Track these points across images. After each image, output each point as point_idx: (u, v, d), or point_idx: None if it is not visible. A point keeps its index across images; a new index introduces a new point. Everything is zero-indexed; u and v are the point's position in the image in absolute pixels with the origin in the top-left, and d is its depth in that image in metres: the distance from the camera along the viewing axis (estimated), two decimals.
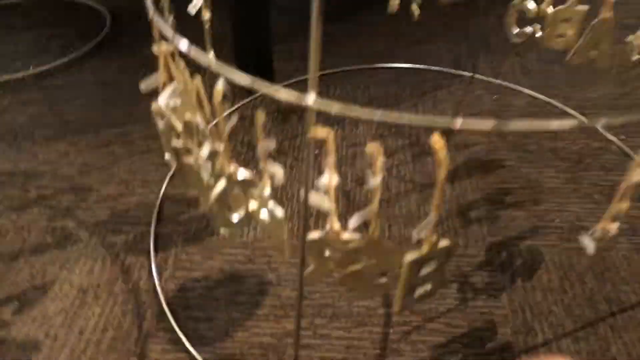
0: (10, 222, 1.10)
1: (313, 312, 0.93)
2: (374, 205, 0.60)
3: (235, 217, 0.76)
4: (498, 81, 1.47)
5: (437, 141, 0.53)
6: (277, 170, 0.64)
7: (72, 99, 1.45)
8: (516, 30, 1.18)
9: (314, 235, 0.65)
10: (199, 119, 0.74)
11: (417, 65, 1.54)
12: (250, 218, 0.76)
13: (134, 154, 1.26)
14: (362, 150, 1.25)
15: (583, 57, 1.15)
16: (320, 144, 0.57)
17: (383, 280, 0.69)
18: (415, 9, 1.27)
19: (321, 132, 0.56)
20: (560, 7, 1.09)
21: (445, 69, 1.52)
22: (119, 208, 1.13)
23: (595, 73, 1.49)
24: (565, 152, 1.23)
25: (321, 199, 0.62)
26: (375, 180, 0.58)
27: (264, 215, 0.71)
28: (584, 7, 1.08)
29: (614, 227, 0.65)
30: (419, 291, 0.67)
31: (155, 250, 1.03)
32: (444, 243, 0.63)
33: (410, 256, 0.62)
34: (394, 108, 1.38)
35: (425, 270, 0.65)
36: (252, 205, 0.72)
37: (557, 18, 1.13)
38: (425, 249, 0.62)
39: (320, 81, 1.47)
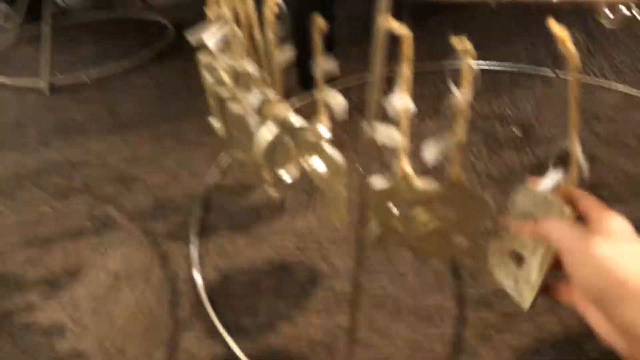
0: (52, 209, 1.05)
1: (373, 305, 0.79)
2: (460, 133, 0.48)
3: (286, 177, 0.65)
4: (584, 78, 1.31)
5: (557, 28, 0.41)
6: (337, 99, 0.53)
7: (128, 100, 1.42)
8: (610, 15, 1.05)
9: (378, 182, 0.53)
10: (248, 64, 0.65)
11: (493, 67, 1.41)
12: (303, 175, 0.64)
13: (185, 147, 1.19)
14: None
15: None
16: None
17: (460, 240, 0.55)
18: None
19: (394, 24, 0.45)
20: None
21: (522, 69, 1.38)
22: (163, 197, 1.05)
23: None
24: None
25: (388, 132, 0.50)
26: (462, 97, 0.46)
27: (318, 165, 0.59)
28: None
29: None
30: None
31: (199, 238, 0.94)
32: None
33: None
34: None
35: None
36: (307, 160, 0.61)
37: None
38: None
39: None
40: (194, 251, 0.91)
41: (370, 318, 0.77)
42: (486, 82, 1.34)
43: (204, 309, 0.80)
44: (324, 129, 0.55)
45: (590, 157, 1.13)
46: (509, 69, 1.39)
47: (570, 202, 0.42)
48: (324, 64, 0.51)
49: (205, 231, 0.95)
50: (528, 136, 1.12)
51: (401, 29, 0.44)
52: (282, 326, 0.77)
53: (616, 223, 0.38)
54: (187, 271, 0.87)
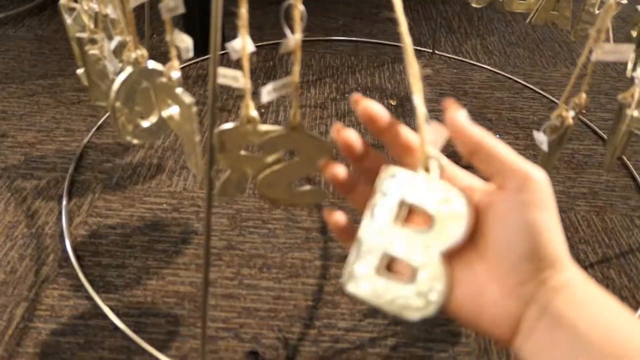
0: None
1: (241, 262, 0.82)
2: (294, 75, 0.51)
3: (146, 123, 0.65)
4: (458, 58, 1.41)
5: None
6: (185, 40, 0.55)
7: (2, 53, 1.33)
8: None
9: (225, 126, 0.55)
10: (106, 6, 0.64)
11: (375, 40, 1.48)
12: (161, 123, 0.65)
13: (61, 104, 1.14)
14: (311, 111, 1.17)
15: (543, 17, 1.10)
16: None
17: (307, 187, 0.59)
18: None
19: None
20: None
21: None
22: (34, 154, 1.00)
23: (557, 55, 1.45)
24: (525, 122, 1.17)
25: (232, 74, 0.52)
26: (293, 38, 0.49)
27: (172, 110, 0.60)
28: None
29: (569, 115, 0.58)
30: None
31: (69, 196, 0.91)
32: None
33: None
34: (349, 77, 1.31)
35: None
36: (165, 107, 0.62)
37: None
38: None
39: (277, 49, 1.39)
40: (63, 209, 0.89)
41: (240, 274, 0.80)
42: (371, 57, 1.40)
43: (70, 265, 0.79)
44: (175, 72, 0.56)
45: None
46: (391, 44, 1.46)
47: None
48: (169, 3, 0.52)
49: (77, 190, 0.93)
50: (403, 107, 1.20)
51: None
52: (149, 281, 0.78)
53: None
54: (55, 229, 0.85)
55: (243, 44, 0.50)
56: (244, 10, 0.49)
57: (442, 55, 1.42)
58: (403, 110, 1.18)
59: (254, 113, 0.54)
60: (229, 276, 0.79)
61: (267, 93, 0.51)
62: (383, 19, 1.60)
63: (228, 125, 0.55)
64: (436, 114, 1.20)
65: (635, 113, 0.63)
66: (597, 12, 1.00)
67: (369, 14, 1.64)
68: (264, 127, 0.55)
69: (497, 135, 1.10)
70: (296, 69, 0.51)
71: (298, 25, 0.49)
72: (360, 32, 1.51)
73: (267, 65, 1.33)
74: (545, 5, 1.05)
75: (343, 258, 0.83)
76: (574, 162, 1.05)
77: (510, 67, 1.38)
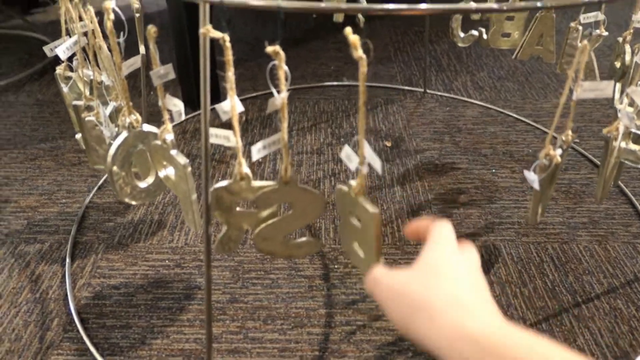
0: None
1: (245, 315, 0.81)
2: (283, 132, 0.52)
3: (143, 184, 0.66)
4: (450, 95, 1.44)
5: (350, 33, 0.47)
6: (176, 104, 0.56)
7: (4, 119, 1.36)
8: (462, 34, 1.17)
9: (220, 184, 0.56)
10: (101, 73, 0.67)
11: (368, 83, 1.50)
12: (159, 183, 0.67)
13: (62, 166, 1.16)
14: (308, 157, 1.18)
15: (528, 52, 1.12)
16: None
17: (304, 239, 0.59)
18: (360, 18, 1.25)
19: (214, 32, 0.49)
20: (503, 4, 1.07)
21: (396, 86, 1.49)
22: (37, 218, 1.02)
23: (546, 87, 1.48)
24: (519, 155, 1.18)
25: (224, 134, 0.54)
26: (279, 97, 0.51)
27: (168, 171, 0.62)
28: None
29: (557, 154, 0.59)
30: None
31: (72, 258, 0.92)
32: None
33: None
34: (344, 121, 1.33)
35: None
36: (162, 167, 0.63)
37: (502, 17, 1.11)
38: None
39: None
40: (66, 272, 0.89)
41: (244, 327, 0.79)
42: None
43: (75, 329, 0.79)
44: (168, 134, 0.57)
45: (452, 165, 1.24)
46: (384, 86, 1.49)
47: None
48: (160, 70, 0.54)
49: (80, 251, 0.94)
50: (398, 148, 1.21)
51: (221, 37, 0.48)
52: (154, 340, 0.78)
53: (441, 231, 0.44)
54: (59, 292, 0.86)
55: (232, 106, 0.52)
56: (230, 74, 0.51)
57: (433, 94, 1.45)
58: (398, 151, 1.20)
59: (246, 170, 0.55)
60: (234, 330, 0.79)
61: (258, 151, 0.52)
62: (374, 61, 1.63)
63: (222, 183, 0.56)
64: (432, 152, 1.22)
65: (623, 144, 0.64)
66: (580, 44, 1.03)
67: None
68: (257, 184, 0.56)
69: (493, 170, 1.11)
70: (284, 125, 0.52)
71: (283, 84, 0.51)
72: (352, 77, 1.55)
73: (262, 115, 1.36)
74: (529, 41, 1.07)
75: (347, 305, 0.83)
76: (572, 192, 1.05)
77: (501, 101, 1.41)
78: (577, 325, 0.78)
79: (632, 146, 0.64)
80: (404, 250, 0.92)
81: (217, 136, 0.54)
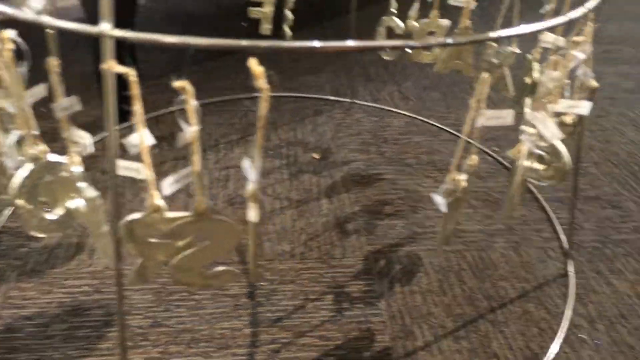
0: None
1: (168, 339, 0.80)
2: (195, 164, 0.52)
3: (51, 216, 0.64)
4: (377, 105, 1.47)
5: (254, 64, 0.47)
6: (83, 136, 0.55)
7: None
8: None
9: (132, 216, 0.55)
10: (3, 102, 0.63)
11: (296, 94, 1.51)
12: (69, 214, 0.64)
13: None
14: (235, 172, 1.17)
15: (448, 66, 1.16)
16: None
17: (221, 268, 0.59)
18: (287, 31, 1.26)
19: (118, 67, 0.48)
20: (424, 20, 1.11)
21: (324, 96, 1.50)
22: None
23: (469, 96, 1.54)
24: (442, 164, 1.22)
25: (134, 166, 0.52)
26: (189, 131, 0.50)
27: (77, 202, 0.60)
28: (446, 21, 1.11)
29: (462, 179, 0.61)
30: None
31: None
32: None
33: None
34: (272, 133, 1.33)
35: None
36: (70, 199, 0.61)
37: (423, 32, 1.14)
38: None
39: (198, 110, 1.40)
40: None
41: (167, 352, 0.78)
42: (293, 111, 1.43)
43: None
44: (75, 167, 0.55)
45: (378, 176, 1.26)
46: (312, 97, 1.50)
47: None
48: (63, 103, 0.52)
49: None
50: (326, 160, 1.22)
51: (126, 71, 0.47)
52: None
53: None
54: None
55: (141, 139, 0.51)
56: (138, 107, 0.50)
57: (361, 104, 1.47)
58: (326, 163, 1.21)
59: (160, 202, 0.54)
60: (155, 356, 0.77)
61: (169, 185, 0.51)
62: (303, 72, 1.64)
63: (134, 216, 0.55)
64: (359, 163, 1.25)
65: (527, 163, 0.68)
66: (495, 61, 1.08)
67: (288, 68, 1.68)
68: (171, 215, 0.55)
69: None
70: (195, 158, 0.52)
71: (193, 118, 0.50)
72: (281, 86, 1.55)
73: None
74: (449, 55, 1.11)
75: (273, 322, 0.82)
76: (490, 199, 1.10)
77: (426, 110, 1.45)
78: (492, 330, 0.82)
79: (537, 165, 0.67)
80: (329, 265, 0.93)
81: (128, 168, 0.52)
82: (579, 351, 0.79)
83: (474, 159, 0.62)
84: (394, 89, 1.56)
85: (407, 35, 1.19)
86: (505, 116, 0.57)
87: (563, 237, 1.00)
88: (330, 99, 1.50)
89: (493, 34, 0.56)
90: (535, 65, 0.95)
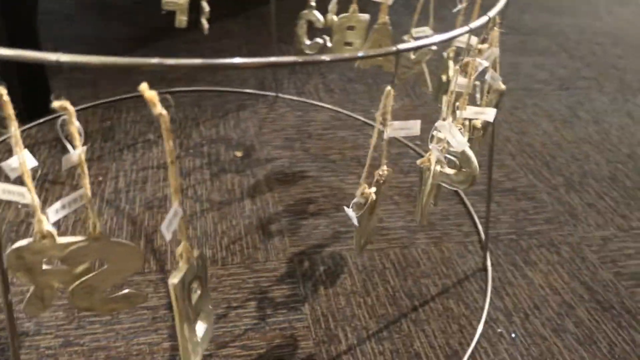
0: None
1: (83, 359, 0.75)
2: (85, 188, 0.48)
3: None
4: (302, 99, 1.45)
5: (145, 90, 0.44)
6: None
7: None
8: (308, 42, 1.17)
9: (19, 244, 0.50)
10: None
11: (219, 88, 1.47)
12: None
13: None
14: (154, 173, 1.12)
15: (369, 62, 1.16)
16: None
17: (125, 291, 0.56)
18: (204, 23, 1.21)
19: None
20: (343, 14, 1.10)
21: (248, 90, 1.47)
22: None
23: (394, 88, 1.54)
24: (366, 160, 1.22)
25: (17, 190, 0.48)
26: (75, 154, 0.46)
27: None
28: (365, 16, 1.10)
29: (372, 191, 0.61)
30: (200, 330, 0.54)
31: None
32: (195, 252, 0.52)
33: (174, 278, 0.50)
34: (193, 130, 1.28)
35: (195, 297, 0.53)
36: None
37: (343, 26, 1.13)
38: (184, 266, 0.51)
39: (115, 106, 1.33)
40: None
41: None
42: (215, 107, 1.39)
43: None
44: None
45: (302, 174, 1.24)
46: (236, 91, 1.46)
47: None
48: None
49: None
50: (249, 158, 1.20)
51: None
52: None
53: None
54: None
55: (21, 162, 0.46)
56: (14, 129, 0.45)
57: (285, 98, 1.45)
58: (249, 161, 1.18)
59: (49, 227, 0.50)
60: None
61: (56, 212, 0.47)
62: (226, 65, 1.59)
63: (22, 243, 0.50)
64: (282, 161, 1.22)
65: (439, 168, 0.68)
66: (413, 57, 1.09)
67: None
68: (63, 240, 0.51)
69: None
70: (85, 182, 0.48)
71: (77, 140, 0.46)
72: (204, 81, 1.50)
73: (104, 126, 1.27)
74: (369, 49, 1.11)
75: None
76: (413, 195, 1.11)
77: (350, 103, 1.45)
78: (414, 330, 0.83)
79: (448, 170, 0.68)
80: (252, 269, 0.91)
81: (10, 192, 0.48)
82: (496, 345, 0.82)
83: (384, 169, 0.62)
84: (319, 81, 1.55)
85: (327, 29, 1.18)
86: (413, 126, 0.57)
87: (482, 231, 1.03)
88: (255, 93, 1.46)
89: (393, 48, 0.55)
90: (450, 64, 0.96)
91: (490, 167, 0.90)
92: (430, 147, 0.67)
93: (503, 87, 0.79)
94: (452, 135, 0.62)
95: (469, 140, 0.76)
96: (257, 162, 1.18)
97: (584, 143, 1.37)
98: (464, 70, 0.70)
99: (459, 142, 0.62)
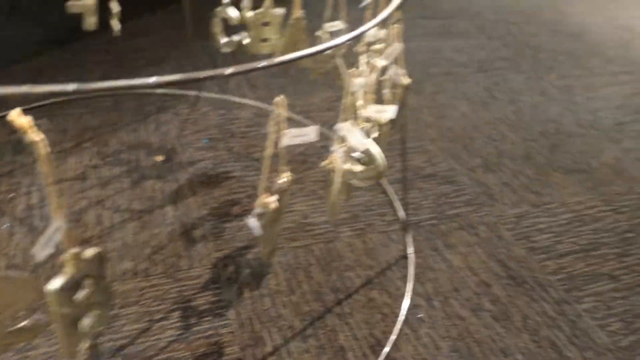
0: None
1: None
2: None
3: None
4: (225, 96, 1.43)
5: (15, 117, 0.42)
6: None
7: None
8: (225, 39, 1.15)
9: None
10: None
11: (138, 90, 1.43)
12: None
13: None
14: (70, 185, 1.08)
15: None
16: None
17: (24, 323, 0.54)
18: (115, 24, 1.17)
19: None
20: (258, 10, 1.09)
21: (168, 91, 1.43)
22: None
23: (314, 81, 1.55)
24: (290, 155, 1.22)
25: None
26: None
27: None
28: (280, 10, 1.10)
29: (272, 200, 0.61)
30: (86, 324, 0.53)
31: None
32: (90, 252, 0.51)
33: (54, 284, 0.49)
34: (111, 136, 1.24)
35: (82, 295, 0.52)
36: None
37: (258, 22, 1.12)
38: (69, 268, 0.50)
39: (29, 114, 1.26)
40: None
41: None
42: (135, 110, 1.35)
43: None
44: None
45: (226, 175, 1.23)
46: (156, 92, 1.42)
47: None
48: None
49: None
50: (170, 162, 1.17)
51: None
52: None
53: None
54: None
55: None
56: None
57: (208, 96, 1.43)
58: (171, 165, 1.16)
59: None
60: None
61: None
62: (144, 63, 1.55)
63: None
64: (206, 163, 1.20)
65: (349, 165, 0.69)
66: (329, 52, 1.09)
67: (129, 59, 1.58)
68: None
69: None
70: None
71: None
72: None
73: (12, 138, 1.21)
74: (286, 46, 1.10)
75: (116, 352, 0.78)
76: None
77: (274, 98, 1.44)
78: (338, 324, 0.84)
79: (357, 167, 0.69)
80: (175, 278, 0.90)
81: None
82: (418, 330, 0.84)
83: (282, 181, 0.62)
84: (242, 77, 1.53)
85: (242, 26, 1.17)
86: (309, 133, 0.57)
87: (403, 219, 1.05)
88: (175, 93, 1.43)
89: (284, 57, 0.56)
90: (361, 60, 0.97)
91: (405, 157, 0.93)
92: (331, 149, 0.68)
93: (406, 81, 0.81)
94: (351, 135, 0.63)
95: (377, 136, 0.78)
96: (179, 165, 1.16)
97: (500, 123, 1.42)
98: (367, 70, 0.71)
99: (359, 142, 0.63)
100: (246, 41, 1.13)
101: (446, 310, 0.88)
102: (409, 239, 1.00)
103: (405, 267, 0.96)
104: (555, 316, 0.88)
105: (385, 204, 1.10)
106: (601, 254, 1.02)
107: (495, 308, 0.89)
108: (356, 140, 0.63)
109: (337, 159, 0.68)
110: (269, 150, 0.57)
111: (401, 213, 1.06)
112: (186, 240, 0.98)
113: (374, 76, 0.69)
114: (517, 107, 1.51)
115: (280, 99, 0.54)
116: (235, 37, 1.14)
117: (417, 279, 0.93)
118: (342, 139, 0.67)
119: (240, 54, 1.67)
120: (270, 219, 0.63)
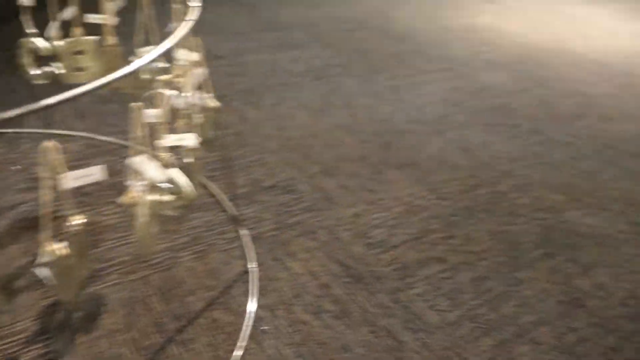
0: None
1: None
2: None
3: None
4: (48, 131, 1.34)
5: None
6: None
7: None
8: (37, 71, 1.08)
9: None
10: None
11: None
12: None
13: None
14: None
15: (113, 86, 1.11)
16: None
17: None
18: None
19: None
20: (69, 39, 1.03)
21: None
22: None
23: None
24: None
25: None
26: None
27: None
28: (93, 38, 1.05)
29: (59, 247, 0.59)
30: None
31: None
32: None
33: None
34: None
35: None
36: None
37: (70, 51, 1.06)
38: None
39: None
40: None
41: None
42: None
43: None
44: None
45: (52, 215, 1.14)
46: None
47: None
48: None
49: None
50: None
51: None
52: None
53: None
54: None
55: None
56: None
57: (30, 132, 1.33)
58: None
59: None
60: None
61: None
62: None
63: None
64: (28, 205, 1.11)
65: (154, 197, 0.68)
66: (148, 77, 1.07)
67: None
68: None
69: None
70: None
71: None
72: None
73: None
74: (105, 74, 1.06)
75: None
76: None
77: (106, 126, 1.38)
78: (182, 351, 0.83)
79: (166, 197, 0.68)
80: None
81: None
82: (262, 343, 0.85)
83: (77, 219, 0.60)
84: (66, 106, 1.44)
85: (54, 56, 1.10)
86: (95, 172, 0.55)
87: (243, 235, 1.06)
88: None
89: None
90: (177, 80, 0.97)
91: (231, 174, 0.93)
92: (126, 183, 0.66)
93: (215, 104, 0.81)
94: (145, 168, 0.62)
95: (192, 162, 0.78)
96: None
97: (337, 129, 1.49)
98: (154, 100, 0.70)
99: (156, 174, 0.63)
100: (60, 71, 1.07)
101: (289, 318, 0.90)
102: (250, 254, 1.01)
103: (247, 282, 0.96)
104: (391, 305, 0.94)
105: (226, 222, 1.10)
106: (430, 239, 1.11)
107: (336, 307, 0.93)
108: (152, 173, 0.62)
109: (136, 193, 0.66)
110: (46, 196, 0.54)
111: (241, 230, 1.07)
112: (8, 294, 0.90)
113: (165, 107, 0.68)
114: (352, 110, 1.59)
115: (51, 143, 0.51)
116: (47, 68, 1.07)
117: (260, 291, 0.94)
118: (137, 173, 0.66)
119: (60, 84, 1.57)
120: (64, 265, 0.60)
